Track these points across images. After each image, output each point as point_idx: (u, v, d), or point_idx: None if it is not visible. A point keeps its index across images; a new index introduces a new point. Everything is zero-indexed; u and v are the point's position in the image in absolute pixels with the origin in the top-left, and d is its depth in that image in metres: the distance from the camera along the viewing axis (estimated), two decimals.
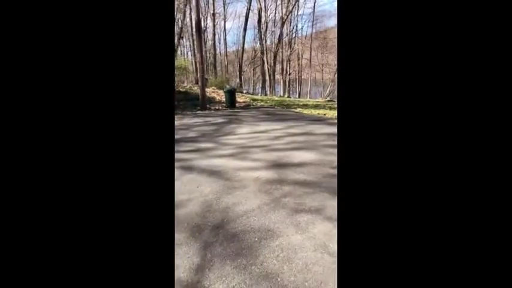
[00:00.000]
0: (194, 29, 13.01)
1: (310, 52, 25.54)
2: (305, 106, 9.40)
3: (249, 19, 19.67)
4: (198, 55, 9.69)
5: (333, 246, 1.70)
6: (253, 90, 24.20)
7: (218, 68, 22.57)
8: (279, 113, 7.89)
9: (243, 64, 22.25)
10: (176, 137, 4.89)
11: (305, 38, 25.80)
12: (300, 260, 1.60)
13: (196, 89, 11.13)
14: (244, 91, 16.45)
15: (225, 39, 24.70)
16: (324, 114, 7.32)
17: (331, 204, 2.24)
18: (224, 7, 22.21)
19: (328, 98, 14.61)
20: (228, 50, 25.00)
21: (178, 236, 1.87)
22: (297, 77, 26.50)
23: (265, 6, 20.61)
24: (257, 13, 20.19)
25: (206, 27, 20.72)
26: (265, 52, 20.54)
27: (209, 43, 21.15)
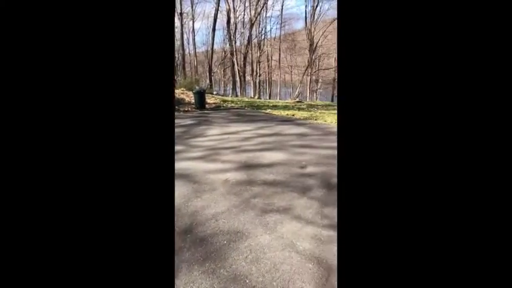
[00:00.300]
0: None
1: (279, 54, 26.00)
2: (275, 107, 9.52)
3: (218, 20, 19.54)
4: None
5: (301, 245, 1.74)
6: (224, 91, 24.08)
7: (187, 69, 22.12)
8: (249, 114, 7.91)
9: (213, 65, 22.02)
10: None
11: (274, 39, 26.19)
12: (269, 260, 1.61)
13: None
14: (215, 92, 16.25)
15: (193, 40, 24.11)
16: (293, 115, 7.47)
17: (299, 203, 2.29)
18: (192, 7, 21.79)
19: (297, 99, 14.91)
20: (197, 50, 24.54)
21: None
22: (267, 78, 26.85)
23: (233, 8, 20.55)
24: (226, 14, 20.11)
25: (174, 27, 20.17)
26: (235, 53, 20.48)
27: (177, 43, 20.65)
